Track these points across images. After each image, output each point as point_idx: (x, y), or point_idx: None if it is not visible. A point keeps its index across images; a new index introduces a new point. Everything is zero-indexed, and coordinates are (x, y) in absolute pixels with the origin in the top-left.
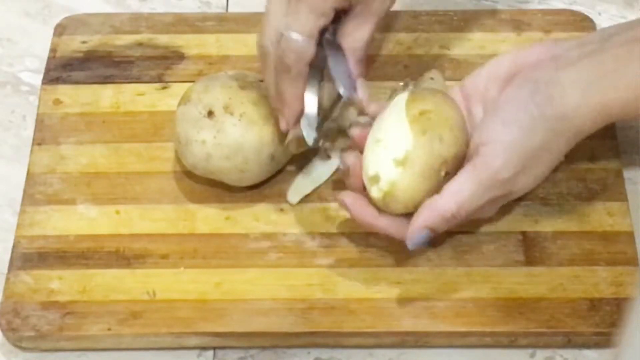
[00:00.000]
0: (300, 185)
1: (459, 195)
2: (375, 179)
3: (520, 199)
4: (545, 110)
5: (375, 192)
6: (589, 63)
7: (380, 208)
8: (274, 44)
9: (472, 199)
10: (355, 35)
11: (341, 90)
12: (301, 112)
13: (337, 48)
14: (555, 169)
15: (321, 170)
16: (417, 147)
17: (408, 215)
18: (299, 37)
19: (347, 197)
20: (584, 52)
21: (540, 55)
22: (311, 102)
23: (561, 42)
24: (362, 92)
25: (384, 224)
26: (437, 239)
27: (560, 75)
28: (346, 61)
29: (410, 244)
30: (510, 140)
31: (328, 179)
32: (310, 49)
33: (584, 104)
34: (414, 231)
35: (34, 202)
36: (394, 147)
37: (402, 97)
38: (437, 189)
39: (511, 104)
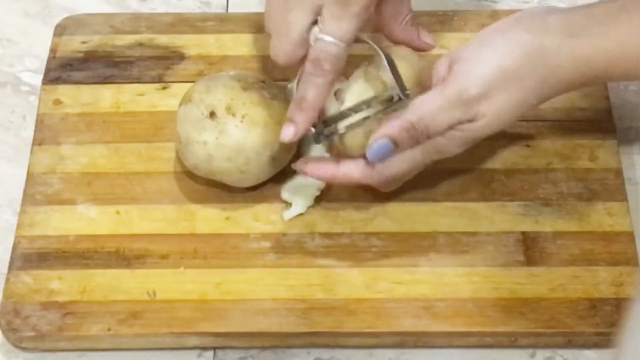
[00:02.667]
0: (295, 193)
1: (422, 106)
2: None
3: (520, 199)
4: (523, 36)
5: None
6: (579, 11)
7: (342, 150)
8: (300, 48)
9: (435, 113)
10: (397, 14)
11: (394, 93)
12: (313, 122)
13: (380, 54)
14: (554, 169)
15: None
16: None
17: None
18: (340, 42)
19: (301, 163)
20: (575, 5)
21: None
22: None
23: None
24: (430, 40)
25: (346, 169)
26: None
27: (548, 16)
28: (392, 64)
29: (370, 152)
30: (481, 58)
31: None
32: (345, 56)
33: (567, 46)
34: (375, 140)
35: (34, 202)
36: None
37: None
38: None
39: (490, 30)
